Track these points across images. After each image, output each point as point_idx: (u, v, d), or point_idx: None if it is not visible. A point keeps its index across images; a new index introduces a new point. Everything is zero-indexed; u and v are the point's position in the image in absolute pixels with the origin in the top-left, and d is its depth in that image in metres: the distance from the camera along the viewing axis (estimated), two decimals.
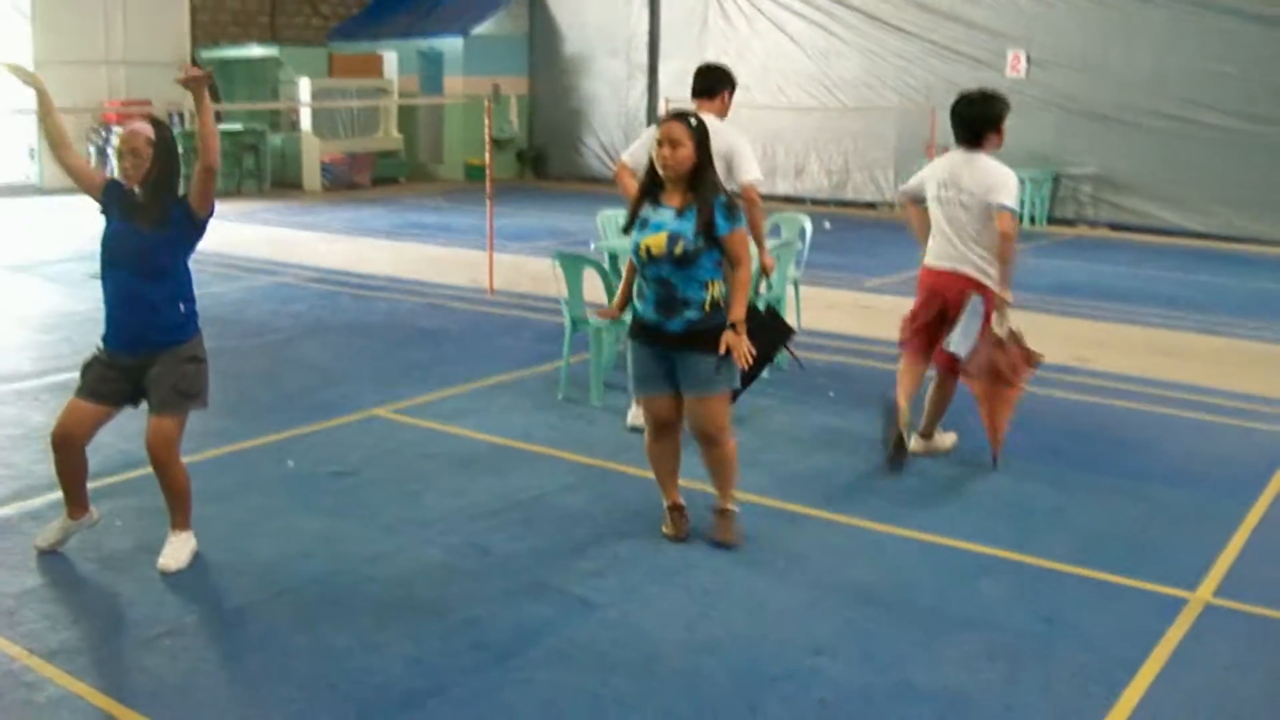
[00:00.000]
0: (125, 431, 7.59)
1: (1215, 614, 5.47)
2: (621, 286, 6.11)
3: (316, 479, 6.90)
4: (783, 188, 22.70)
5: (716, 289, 5.72)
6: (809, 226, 10.89)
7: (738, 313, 5.72)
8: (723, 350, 5.69)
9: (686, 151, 5.64)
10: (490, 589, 5.51)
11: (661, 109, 23.36)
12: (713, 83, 7.74)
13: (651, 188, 5.83)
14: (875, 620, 5.30)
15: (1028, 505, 6.80)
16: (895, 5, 21.43)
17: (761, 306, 9.23)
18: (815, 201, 22.27)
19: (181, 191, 5.60)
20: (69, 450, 5.65)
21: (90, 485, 6.55)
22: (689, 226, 5.63)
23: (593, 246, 9.78)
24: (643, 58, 24.95)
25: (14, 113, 21.38)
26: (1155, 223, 19.32)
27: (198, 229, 5.60)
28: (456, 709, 4.49)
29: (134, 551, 5.82)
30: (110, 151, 21.97)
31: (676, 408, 5.94)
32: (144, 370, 5.53)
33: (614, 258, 9.29)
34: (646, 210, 5.80)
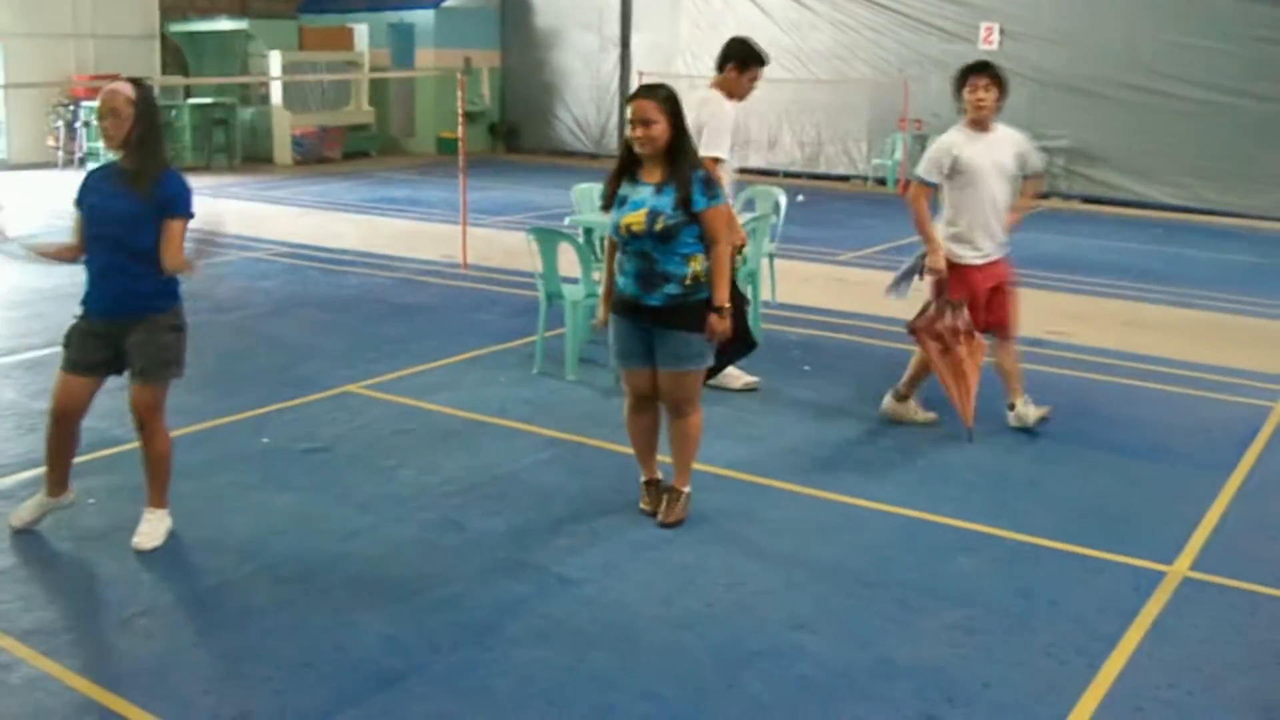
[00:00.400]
0: (97, 409, 7.48)
1: (1193, 587, 5.48)
2: (605, 281, 6.02)
3: (291, 455, 6.85)
4: (755, 160, 22.65)
5: (698, 264, 5.64)
6: (783, 200, 10.89)
7: (721, 296, 5.68)
8: (709, 336, 5.71)
9: (660, 128, 5.54)
10: (467, 566, 5.47)
11: (634, 82, 23.27)
12: (720, 58, 7.93)
13: (629, 164, 5.75)
14: (853, 595, 5.29)
15: (1005, 479, 6.81)
16: None
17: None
18: (788, 174, 22.23)
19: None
20: (66, 427, 5.62)
21: None
22: (668, 202, 5.56)
23: (566, 221, 9.73)
24: (615, 30, 24.83)
25: None
26: (1127, 195, 19.37)
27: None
28: (434, 687, 4.46)
29: (108, 530, 5.76)
30: (78, 126, 21.80)
31: (656, 382, 5.89)
32: (124, 335, 5.46)
33: (589, 232, 9.26)
34: (625, 188, 5.74)
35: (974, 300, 7.30)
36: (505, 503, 6.24)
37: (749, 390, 8.15)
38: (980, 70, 7.25)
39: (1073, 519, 6.22)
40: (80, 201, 5.55)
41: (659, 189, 5.61)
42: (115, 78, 20.18)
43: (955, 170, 7.22)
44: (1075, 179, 19.92)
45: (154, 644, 4.75)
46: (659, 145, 5.57)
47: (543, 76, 26.11)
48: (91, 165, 21.68)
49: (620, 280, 5.80)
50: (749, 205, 10.91)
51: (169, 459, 5.68)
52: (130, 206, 5.34)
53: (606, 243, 6.02)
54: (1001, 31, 20.12)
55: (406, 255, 13.46)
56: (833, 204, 18.99)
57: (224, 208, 16.46)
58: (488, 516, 6.05)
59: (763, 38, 22.52)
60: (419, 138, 26.03)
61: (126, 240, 5.36)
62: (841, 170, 22.36)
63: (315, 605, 5.06)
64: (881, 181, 21.45)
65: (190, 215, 5.46)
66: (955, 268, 7.26)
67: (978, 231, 7.28)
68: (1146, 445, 7.46)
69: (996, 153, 7.26)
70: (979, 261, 7.31)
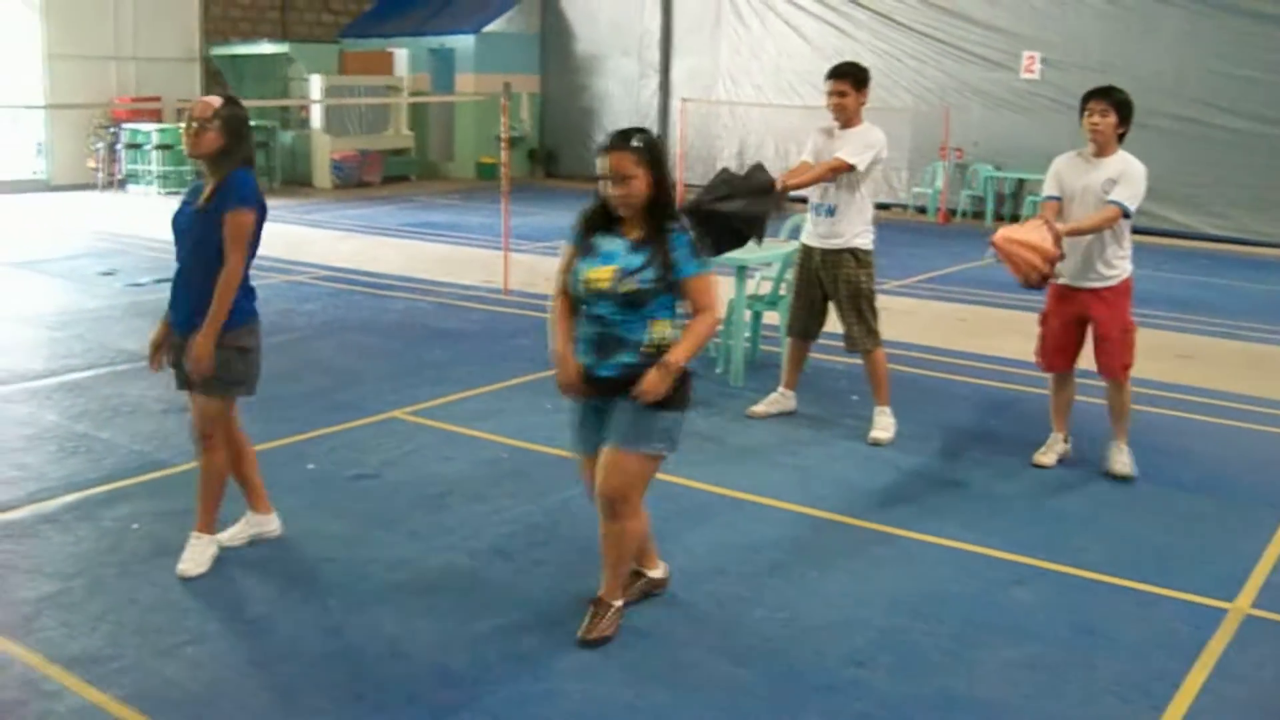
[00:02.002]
0: (139, 433, 7.55)
1: (1255, 625, 5.37)
2: (560, 342, 4.95)
3: (337, 482, 6.78)
4: None
5: (662, 330, 4.79)
6: None
7: (677, 354, 4.72)
8: (638, 392, 4.70)
9: (639, 183, 4.74)
10: (517, 596, 5.39)
11: (676, 107, 23.25)
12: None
13: (603, 215, 4.91)
14: (911, 630, 5.19)
15: (1059, 512, 6.69)
16: (909, 5, 21.34)
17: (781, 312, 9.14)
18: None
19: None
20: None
21: (105, 488, 6.51)
22: (641, 262, 4.74)
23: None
24: (655, 56, 24.84)
25: (23, 109, 21.34)
26: (1170, 226, 19.18)
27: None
28: None
29: (152, 555, 5.71)
30: (119, 148, 21.94)
31: None
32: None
33: None
34: (597, 236, 4.90)
35: (1054, 321, 7.36)
36: (554, 532, 6.16)
37: None
38: (1096, 95, 7.11)
39: (1129, 553, 6.10)
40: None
41: (636, 246, 4.79)
42: (156, 100, 20.28)
43: (1058, 189, 7.21)
44: None
45: (201, 673, 4.68)
46: (638, 203, 4.77)
47: (582, 102, 26.14)
48: (132, 188, 21.87)
49: (577, 345, 4.94)
50: (795, 234, 10.82)
51: (222, 480, 5.62)
52: (194, 217, 5.36)
53: (556, 298, 5.02)
54: (1043, 61, 20.01)
55: (449, 280, 13.43)
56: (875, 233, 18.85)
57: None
58: (537, 546, 5.97)
59: (803, 65, 22.60)
60: (458, 162, 26.08)
61: (194, 251, 5.37)
62: (882, 198, 22.21)
63: (366, 635, 4.98)
64: (922, 210, 21.34)
65: (250, 206, 5.36)
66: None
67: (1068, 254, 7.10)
68: (1201, 479, 7.33)
69: (1093, 179, 7.07)
70: (1058, 281, 7.18)
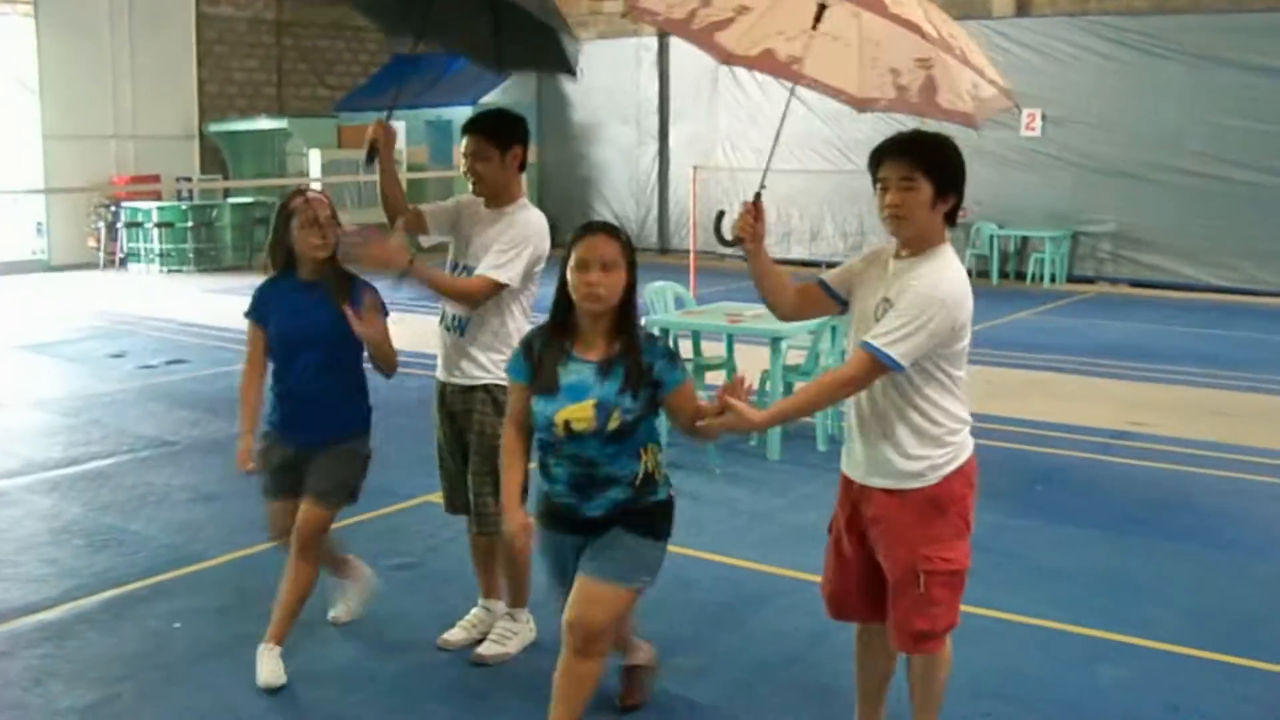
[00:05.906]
0: (170, 523, 7.34)
1: None
2: (509, 481, 4.36)
3: (380, 572, 6.46)
4: (798, 251, 22.52)
5: (651, 457, 4.28)
6: None
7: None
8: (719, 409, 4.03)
9: (620, 277, 4.14)
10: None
11: (676, 175, 23.17)
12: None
13: (562, 331, 4.31)
14: (997, 715, 4.99)
15: (1122, 581, 6.49)
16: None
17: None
18: (830, 265, 21.97)
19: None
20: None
21: (142, 583, 6.29)
22: (618, 389, 4.14)
23: (643, 321, 9.48)
24: (653, 124, 24.80)
25: (24, 191, 21.24)
26: (1176, 278, 19.17)
27: None
28: None
29: (201, 657, 5.47)
30: (119, 227, 21.82)
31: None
32: (310, 459, 5.20)
33: (665, 332, 9.07)
34: (548, 366, 4.25)
35: (837, 532, 4.38)
36: None
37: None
38: (892, 151, 4.09)
39: (1201, 622, 5.91)
40: (262, 319, 5.33)
41: (604, 369, 4.17)
42: (155, 179, 20.08)
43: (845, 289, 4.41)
44: (1122, 263, 19.75)
45: None
46: (613, 302, 4.15)
47: (580, 171, 26.07)
48: (133, 266, 21.66)
49: (546, 485, 4.33)
50: None
51: (308, 595, 5.29)
52: (335, 317, 5.09)
53: (507, 435, 4.42)
54: (1044, 118, 19.98)
55: None
56: None
57: None
58: None
59: (803, 128, 22.40)
60: None
61: (335, 356, 5.21)
62: None
63: None
64: None
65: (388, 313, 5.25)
66: None
67: (847, 417, 4.35)
68: (1259, 541, 7.16)
69: (881, 295, 4.14)
70: (842, 465, 4.35)
